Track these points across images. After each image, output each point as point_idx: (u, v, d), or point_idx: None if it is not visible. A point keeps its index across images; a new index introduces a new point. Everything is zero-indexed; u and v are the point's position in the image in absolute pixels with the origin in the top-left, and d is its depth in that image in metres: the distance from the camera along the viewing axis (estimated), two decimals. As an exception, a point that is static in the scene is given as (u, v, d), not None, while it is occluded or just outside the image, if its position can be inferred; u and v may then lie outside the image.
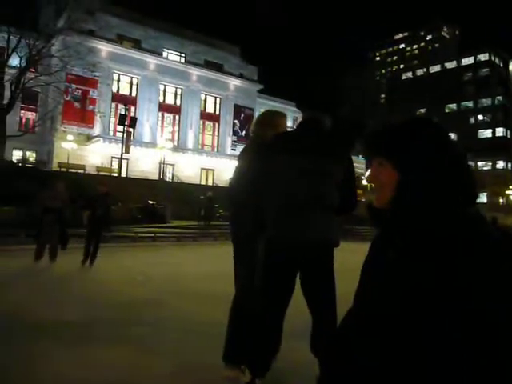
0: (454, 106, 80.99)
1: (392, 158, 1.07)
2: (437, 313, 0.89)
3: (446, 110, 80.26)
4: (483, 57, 79.33)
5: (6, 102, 24.21)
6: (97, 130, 35.87)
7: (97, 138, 35.26)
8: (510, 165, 72.98)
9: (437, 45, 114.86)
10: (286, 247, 2.58)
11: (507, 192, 60.19)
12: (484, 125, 77.61)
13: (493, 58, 78.85)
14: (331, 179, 2.60)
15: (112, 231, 12.70)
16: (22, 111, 34.83)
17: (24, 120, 36.02)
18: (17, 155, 34.46)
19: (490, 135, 76.06)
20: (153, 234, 16.14)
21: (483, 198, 62.63)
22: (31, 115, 35.92)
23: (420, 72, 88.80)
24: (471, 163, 68.93)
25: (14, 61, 25.17)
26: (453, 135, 74.43)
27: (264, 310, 2.70)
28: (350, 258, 4.29)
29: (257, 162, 2.86)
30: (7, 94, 24.30)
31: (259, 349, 2.73)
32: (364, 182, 37.41)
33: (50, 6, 31.95)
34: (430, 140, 1.05)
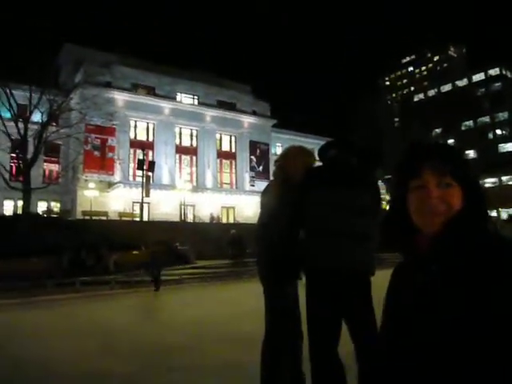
0: (470, 122, 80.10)
1: (464, 179, 1.03)
2: (474, 338, 0.86)
3: (463, 128, 79.46)
4: (494, 71, 78.90)
5: (29, 156, 25.08)
6: (117, 176, 36.68)
7: (117, 184, 35.99)
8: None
9: (445, 64, 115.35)
10: (325, 278, 2.64)
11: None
12: (503, 139, 76.35)
13: (504, 72, 78.48)
14: (366, 211, 2.70)
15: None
16: (45, 163, 35.86)
17: (47, 172, 37.09)
18: (42, 206, 35.28)
19: (511, 149, 74.69)
20: (178, 277, 16.07)
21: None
22: (54, 167, 37.03)
23: (432, 92, 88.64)
24: (495, 179, 67.35)
25: (36, 116, 26.25)
26: (472, 152, 73.47)
27: (315, 346, 2.66)
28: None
29: (289, 197, 2.96)
30: (31, 148, 25.22)
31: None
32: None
33: (68, 62, 33.56)
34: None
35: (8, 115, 25.67)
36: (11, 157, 29.57)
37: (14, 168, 30.64)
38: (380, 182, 42.20)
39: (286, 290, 3.17)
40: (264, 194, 3.47)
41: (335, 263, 2.61)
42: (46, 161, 35.01)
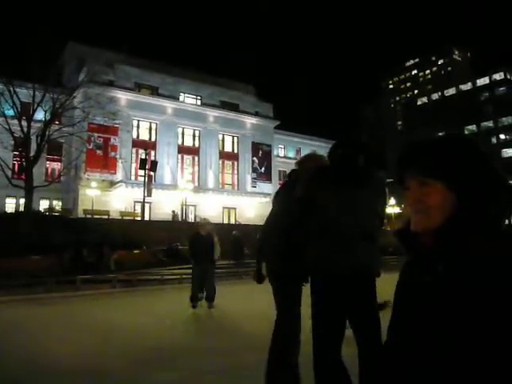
0: (473, 127, 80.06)
1: (447, 177, 0.99)
2: (485, 336, 0.85)
3: (466, 132, 79.29)
4: (498, 76, 78.93)
5: (32, 154, 25.10)
6: (119, 175, 36.68)
7: (119, 184, 35.98)
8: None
9: (449, 68, 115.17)
10: (335, 281, 2.59)
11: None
12: (507, 143, 76.29)
13: (508, 76, 78.35)
14: (373, 210, 2.73)
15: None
16: (48, 162, 35.87)
17: (50, 170, 37.13)
18: (44, 205, 35.32)
19: (514, 153, 74.43)
20: (178, 276, 16.08)
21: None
22: (56, 165, 37.06)
23: (435, 96, 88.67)
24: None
25: (39, 115, 26.24)
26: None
27: (321, 350, 2.62)
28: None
29: (296, 195, 2.95)
30: (33, 146, 25.23)
31: None
32: (389, 211, 36.94)
33: (72, 61, 33.61)
34: (476, 155, 1.02)
35: (11, 113, 25.69)
36: (14, 155, 29.56)
37: (16, 166, 30.69)
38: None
39: (294, 292, 3.18)
40: (275, 197, 3.51)
41: (346, 265, 2.57)
42: (48, 159, 35.06)
